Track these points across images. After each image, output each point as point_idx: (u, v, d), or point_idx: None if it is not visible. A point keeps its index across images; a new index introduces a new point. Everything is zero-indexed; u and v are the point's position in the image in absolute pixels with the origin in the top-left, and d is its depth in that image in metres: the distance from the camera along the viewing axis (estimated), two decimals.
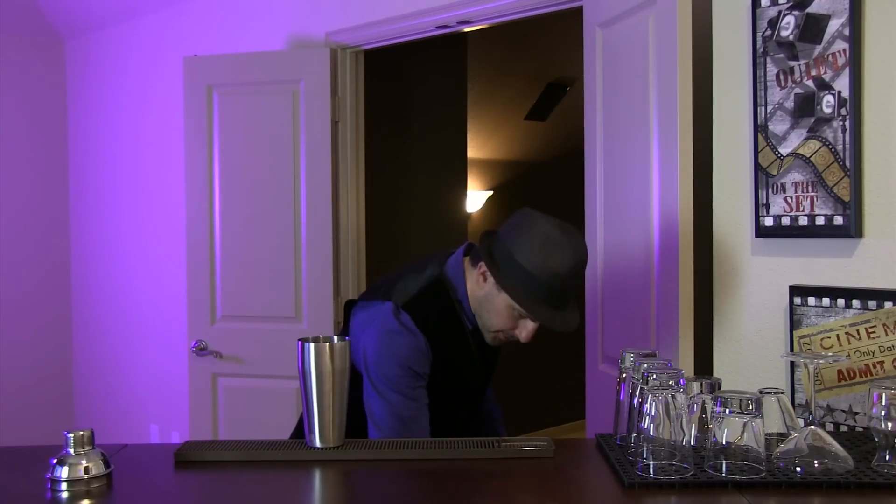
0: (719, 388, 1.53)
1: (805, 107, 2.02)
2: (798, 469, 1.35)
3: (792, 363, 2.05)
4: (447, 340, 1.81)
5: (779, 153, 2.07)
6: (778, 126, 2.08)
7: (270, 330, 3.44)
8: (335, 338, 1.57)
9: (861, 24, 1.93)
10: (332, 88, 3.39)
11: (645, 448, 1.36)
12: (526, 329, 1.76)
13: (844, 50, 1.94)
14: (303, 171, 3.41)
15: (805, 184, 2.03)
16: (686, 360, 2.07)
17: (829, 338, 1.96)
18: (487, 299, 1.77)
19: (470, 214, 5.61)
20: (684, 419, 1.37)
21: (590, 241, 2.60)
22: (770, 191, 2.09)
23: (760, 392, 1.47)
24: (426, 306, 1.80)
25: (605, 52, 2.51)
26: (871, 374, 1.87)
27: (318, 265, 3.39)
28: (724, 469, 1.34)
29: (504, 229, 1.78)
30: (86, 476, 1.36)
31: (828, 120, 1.98)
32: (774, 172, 2.08)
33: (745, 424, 1.33)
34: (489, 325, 1.79)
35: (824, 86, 1.99)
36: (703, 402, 1.51)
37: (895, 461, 1.37)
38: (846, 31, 1.94)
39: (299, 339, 1.55)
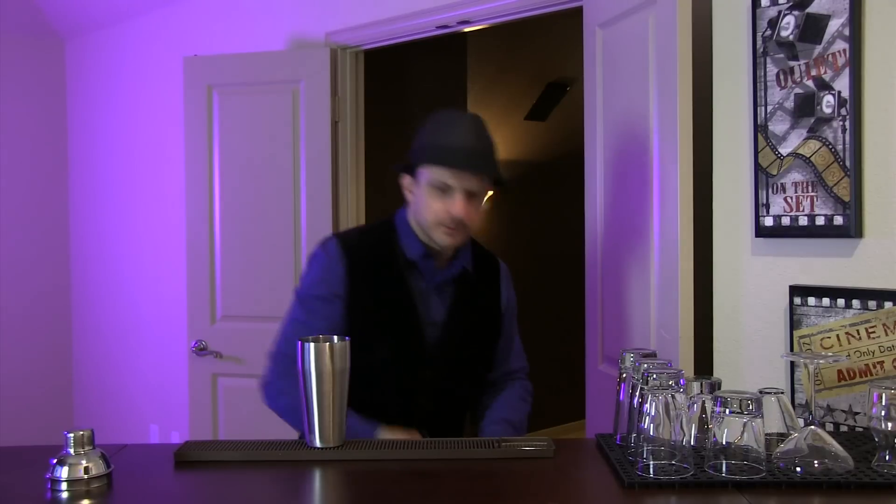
0: (719, 388, 1.53)
1: (805, 107, 2.02)
2: (798, 469, 1.35)
3: (792, 363, 2.05)
4: (380, 271, 1.85)
5: (779, 153, 2.07)
6: (778, 126, 2.08)
7: (270, 330, 3.38)
8: (335, 338, 1.57)
9: (861, 24, 1.93)
10: (332, 88, 3.39)
11: (645, 448, 1.36)
12: (454, 202, 1.78)
13: (844, 50, 1.94)
14: (303, 171, 3.41)
15: (805, 184, 2.03)
16: (686, 360, 2.07)
17: (829, 338, 1.96)
18: (416, 203, 1.84)
19: None
20: (684, 419, 1.37)
21: (590, 241, 2.60)
22: (770, 191, 2.09)
23: (760, 392, 1.47)
24: (360, 237, 1.93)
25: (605, 52, 2.51)
26: (871, 374, 1.87)
27: None
28: (724, 469, 1.34)
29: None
30: (86, 476, 1.36)
31: (828, 120, 1.98)
32: (774, 172, 2.08)
33: (745, 424, 1.33)
34: (427, 224, 1.82)
35: (824, 86, 1.99)
36: (703, 402, 1.51)
37: (895, 461, 1.37)
38: (846, 31, 1.94)
39: (299, 339, 1.55)
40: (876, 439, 1.39)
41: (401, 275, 1.85)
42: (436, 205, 1.79)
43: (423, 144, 1.82)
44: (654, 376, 1.37)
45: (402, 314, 1.85)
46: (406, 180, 1.88)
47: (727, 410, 1.34)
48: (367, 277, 1.84)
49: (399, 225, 1.90)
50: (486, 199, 1.89)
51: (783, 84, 2.06)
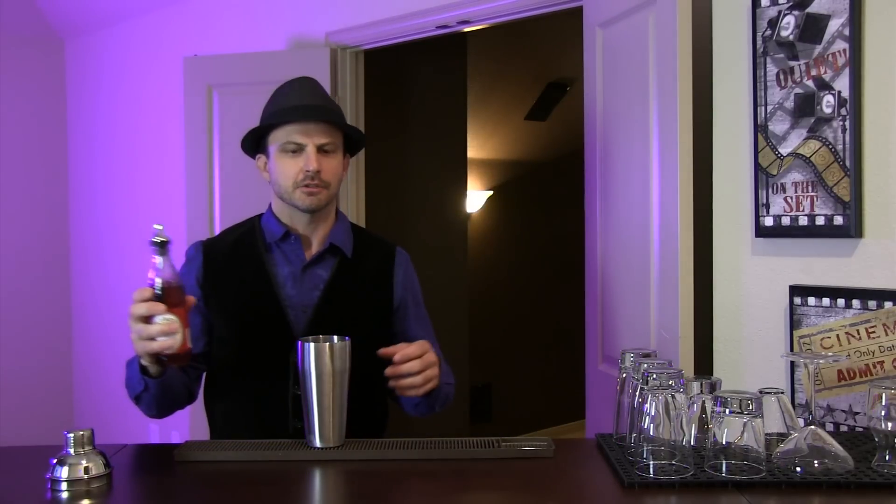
0: (719, 388, 1.53)
1: (805, 107, 2.02)
2: (798, 469, 1.35)
3: (792, 363, 2.05)
4: (237, 261, 1.85)
5: (779, 153, 2.07)
6: (778, 126, 2.08)
7: None
8: (335, 338, 1.57)
9: (861, 24, 1.93)
10: (332, 88, 3.39)
11: (645, 448, 1.36)
12: (307, 157, 1.79)
13: (844, 50, 1.94)
14: None
15: (805, 184, 2.03)
16: (686, 360, 2.07)
17: (829, 338, 1.96)
18: (273, 176, 1.85)
19: (470, 214, 5.61)
20: (684, 419, 1.37)
21: (590, 240, 2.60)
22: (770, 191, 2.09)
23: (760, 392, 1.47)
24: (223, 234, 1.96)
25: (605, 52, 2.51)
26: (871, 374, 1.88)
27: None
28: (724, 469, 1.34)
29: None
30: (86, 476, 1.36)
31: (828, 120, 1.98)
32: (774, 172, 2.08)
33: (745, 424, 1.33)
34: (286, 190, 1.82)
35: (824, 86, 1.99)
36: (703, 402, 1.51)
37: (895, 461, 1.37)
38: (846, 31, 1.94)
39: (299, 339, 1.55)
40: (876, 439, 1.39)
41: (259, 260, 1.84)
42: (290, 167, 1.80)
43: (267, 115, 1.85)
44: (654, 376, 1.37)
45: (260, 299, 1.81)
46: (260, 161, 1.91)
47: (727, 410, 1.34)
48: (223, 270, 1.84)
49: (265, 213, 1.92)
50: (344, 159, 1.89)
51: (783, 84, 2.06)
